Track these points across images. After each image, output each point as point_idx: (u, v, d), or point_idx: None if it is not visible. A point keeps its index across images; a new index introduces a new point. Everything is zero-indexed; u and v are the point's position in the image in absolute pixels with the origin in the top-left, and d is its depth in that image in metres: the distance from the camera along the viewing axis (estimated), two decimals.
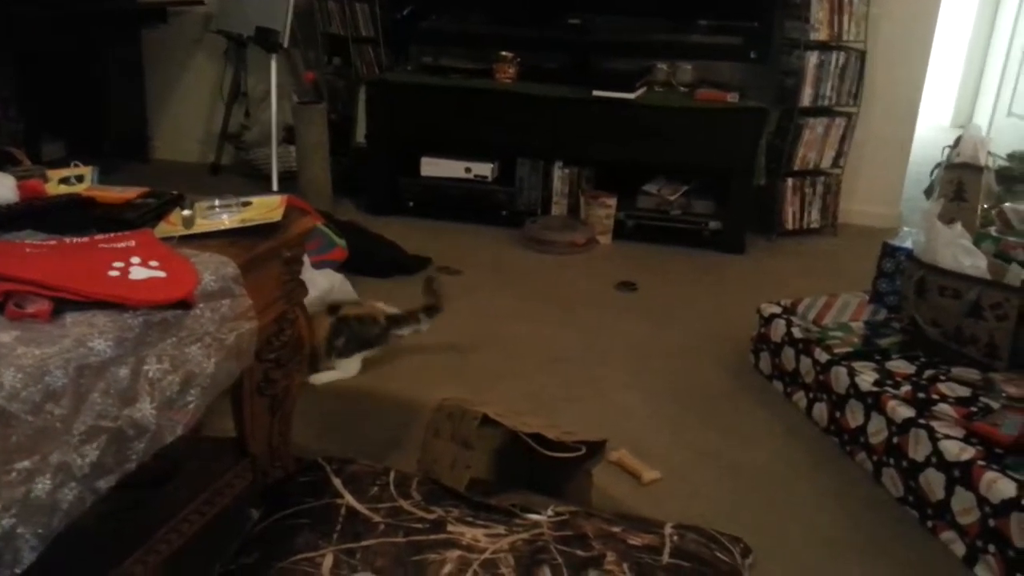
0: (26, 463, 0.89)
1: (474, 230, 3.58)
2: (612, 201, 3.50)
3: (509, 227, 3.58)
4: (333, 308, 2.31)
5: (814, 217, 3.68)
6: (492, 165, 3.66)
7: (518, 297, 2.92)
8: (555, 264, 3.27)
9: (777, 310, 2.38)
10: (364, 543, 1.42)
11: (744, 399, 2.29)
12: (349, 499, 1.53)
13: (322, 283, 2.56)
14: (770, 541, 1.69)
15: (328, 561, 1.36)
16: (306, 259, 2.59)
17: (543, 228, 3.46)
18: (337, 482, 1.58)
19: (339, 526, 1.45)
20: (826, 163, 3.61)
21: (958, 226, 2.11)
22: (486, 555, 1.39)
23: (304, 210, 1.50)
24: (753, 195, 3.43)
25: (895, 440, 1.85)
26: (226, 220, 1.35)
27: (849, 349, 2.13)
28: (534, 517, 1.51)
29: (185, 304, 1.11)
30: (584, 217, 3.56)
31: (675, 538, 1.50)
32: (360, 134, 3.79)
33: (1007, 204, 2.42)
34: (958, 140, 2.58)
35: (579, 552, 1.42)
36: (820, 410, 2.13)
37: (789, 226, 3.64)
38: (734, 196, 3.42)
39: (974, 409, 1.81)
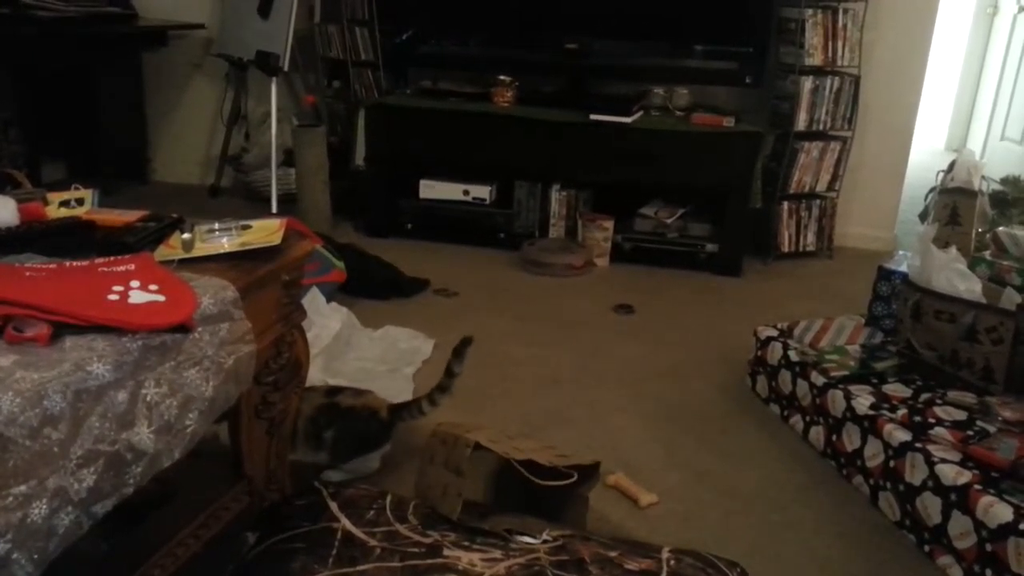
0: (23, 488, 0.89)
1: (472, 252, 3.59)
2: (609, 224, 3.51)
3: (507, 249, 3.59)
4: (332, 391, 1.98)
5: (810, 240, 3.70)
6: (490, 188, 3.67)
7: (515, 319, 2.93)
8: (552, 286, 3.28)
9: (773, 333, 2.39)
10: (360, 567, 1.41)
11: (741, 422, 2.29)
12: (345, 523, 1.53)
13: (334, 326, 2.49)
14: (766, 565, 1.69)
15: None
16: (321, 297, 2.60)
17: (541, 250, 3.47)
18: (334, 506, 1.58)
19: (335, 550, 1.45)
20: (821, 186, 3.63)
21: (953, 250, 2.13)
22: None
23: (303, 233, 1.51)
24: (749, 218, 3.45)
25: (892, 464, 1.85)
26: (225, 243, 1.35)
27: (845, 372, 2.13)
28: (527, 540, 1.51)
29: (184, 328, 1.12)
30: (582, 240, 3.57)
31: (672, 563, 1.50)
32: (359, 157, 3.81)
33: (1001, 228, 2.42)
34: (952, 164, 2.60)
35: None
36: (817, 433, 2.13)
37: (785, 249, 3.65)
38: (730, 219, 3.43)
39: (970, 433, 1.82)
